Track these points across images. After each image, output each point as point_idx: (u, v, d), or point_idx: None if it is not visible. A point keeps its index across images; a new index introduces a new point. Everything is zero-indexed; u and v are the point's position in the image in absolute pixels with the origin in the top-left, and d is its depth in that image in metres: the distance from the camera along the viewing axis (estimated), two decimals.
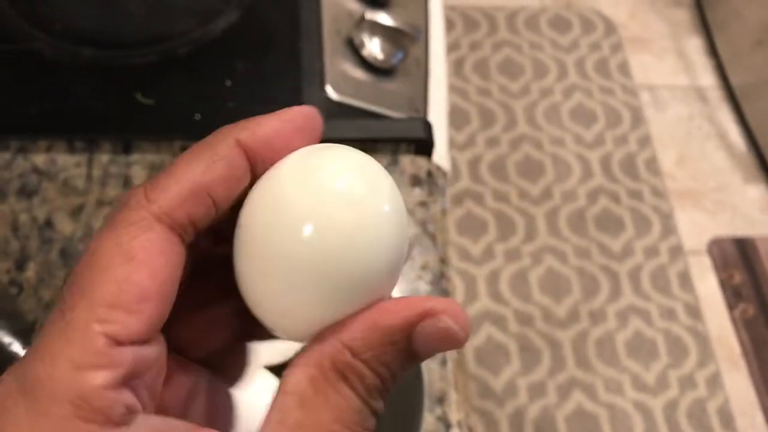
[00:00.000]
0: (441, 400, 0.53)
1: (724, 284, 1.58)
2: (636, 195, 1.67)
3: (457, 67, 1.80)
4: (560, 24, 1.90)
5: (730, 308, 1.55)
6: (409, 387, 0.50)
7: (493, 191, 1.65)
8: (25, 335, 0.52)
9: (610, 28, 1.91)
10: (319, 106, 0.62)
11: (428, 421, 0.52)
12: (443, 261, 0.60)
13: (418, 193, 0.62)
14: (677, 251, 1.60)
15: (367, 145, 0.63)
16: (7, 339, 0.49)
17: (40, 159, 0.60)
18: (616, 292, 1.54)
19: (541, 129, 1.74)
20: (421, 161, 0.63)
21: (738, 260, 1.61)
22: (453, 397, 0.54)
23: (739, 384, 1.47)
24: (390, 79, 0.68)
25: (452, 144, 1.70)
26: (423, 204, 0.61)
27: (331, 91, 0.64)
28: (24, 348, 0.50)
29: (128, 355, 0.20)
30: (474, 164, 1.68)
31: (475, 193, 1.64)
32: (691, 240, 1.62)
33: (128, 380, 0.20)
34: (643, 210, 1.65)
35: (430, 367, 0.54)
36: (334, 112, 0.63)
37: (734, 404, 1.44)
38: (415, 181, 0.62)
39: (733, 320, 1.54)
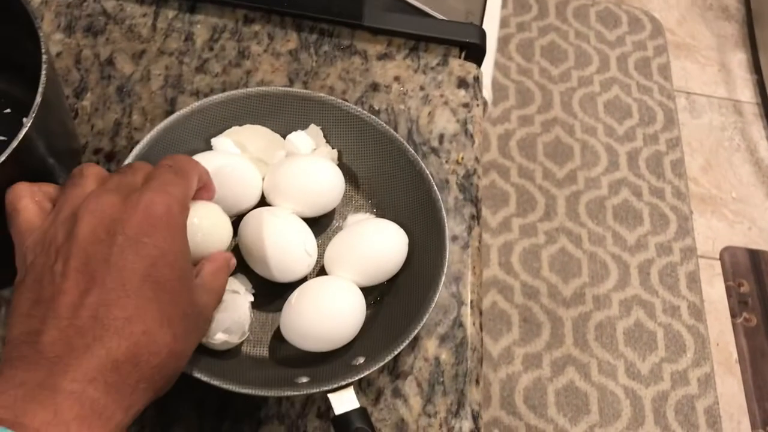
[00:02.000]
0: (458, 279, 0.56)
1: (731, 291, 1.59)
2: (658, 193, 1.68)
3: (502, 45, 1.82)
4: (609, 18, 1.91)
5: (734, 315, 1.57)
6: (432, 258, 0.52)
7: (519, 167, 1.67)
8: (77, 154, 0.55)
9: (658, 30, 1.92)
10: (382, 0, 0.64)
11: (443, 296, 0.55)
12: (477, 159, 0.62)
13: (462, 94, 0.64)
14: (690, 253, 1.61)
15: (420, 43, 0.66)
16: (63, 153, 0.52)
17: (110, 4, 0.63)
18: (623, 282, 1.56)
19: (575, 115, 1.76)
20: (469, 66, 0.66)
21: (749, 271, 1.62)
22: (469, 278, 0.56)
23: (730, 388, 1.48)
24: None
25: (486, 117, 1.71)
26: (466, 105, 0.64)
27: None
28: (70, 163, 0.53)
29: None
30: (505, 139, 1.70)
31: (501, 167, 1.66)
32: (705, 244, 1.63)
33: None
34: (663, 208, 1.66)
35: (451, 249, 0.56)
36: (394, 6, 0.66)
37: (723, 406, 1.45)
38: (462, 83, 0.65)
39: (735, 327, 1.55)
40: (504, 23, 1.86)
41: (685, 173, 1.71)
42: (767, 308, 1.58)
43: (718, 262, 1.62)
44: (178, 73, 0.61)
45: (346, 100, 0.62)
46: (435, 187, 0.53)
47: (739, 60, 1.90)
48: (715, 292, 1.59)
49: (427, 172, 0.53)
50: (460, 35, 0.65)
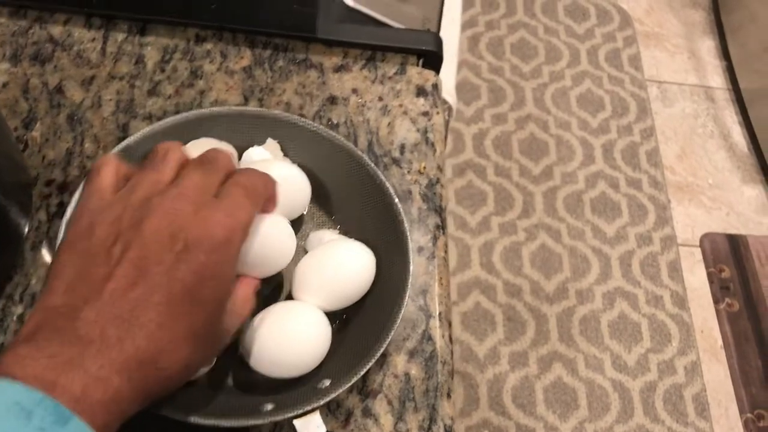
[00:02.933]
0: (424, 291, 0.55)
1: (713, 278, 1.60)
2: (635, 184, 1.68)
3: (472, 44, 1.82)
4: (577, 12, 1.92)
5: (716, 301, 1.57)
6: (396, 274, 0.51)
7: (495, 166, 1.67)
8: (27, 188, 0.54)
9: (626, 21, 1.92)
10: (335, 10, 0.63)
11: (410, 310, 0.54)
12: (439, 168, 0.61)
13: (422, 102, 0.63)
14: (670, 242, 1.61)
15: (376, 52, 0.65)
16: (13, 188, 0.51)
17: (56, 30, 0.62)
18: (605, 274, 1.56)
19: (548, 111, 1.75)
20: (428, 74, 0.65)
21: (729, 256, 1.62)
22: (436, 290, 0.55)
23: (717, 374, 1.48)
24: None
25: (460, 117, 1.71)
26: (425, 114, 0.63)
27: None
28: (15, 202, 0.52)
29: None
30: (479, 138, 1.69)
31: (477, 166, 1.66)
32: (685, 232, 1.64)
33: None
34: (641, 199, 1.66)
35: (416, 261, 0.55)
36: (348, 17, 0.65)
37: (710, 393, 1.45)
38: (421, 91, 0.64)
39: (718, 313, 1.56)
40: (472, 22, 1.85)
41: (660, 162, 1.72)
42: (749, 292, 1.59)
43: (699, 250, 1.62)
44: (130, 98, 0.59)
45: (303, 115, 0.61)
46: (396, 200, 0.52)
47: (707, 47, 1.91)
48: (696, 279, 1.59)
49: (388, 186, 0.52)
50: (417, 43, 0.65)
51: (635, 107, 1.78)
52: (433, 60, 0.65)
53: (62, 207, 0.54)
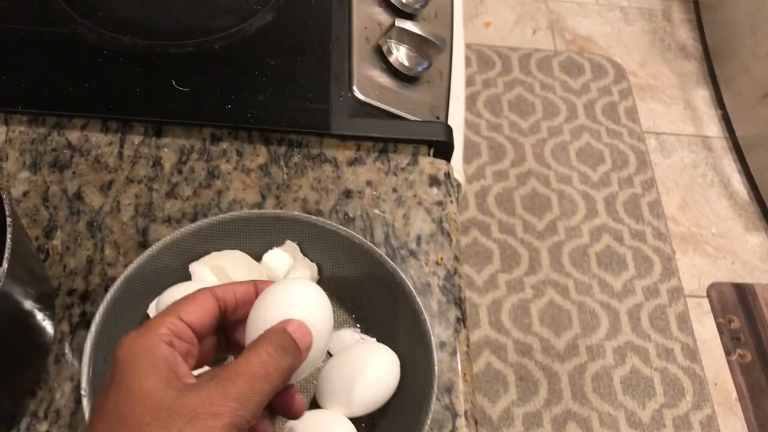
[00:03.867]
0: (449, 389, 0.55)
1: (723, 328, 1.59)
2: (639, 236, 1.69)
3: (470, 102, 1.84)
4: (572, 67, 1.95)
5: (728, 353, 1.56)
6: (421, 374, 0.51)
7: (499, 223, 1.67)
8: (49, 299, 0.54)
9: (621, 74, 1.95)
10: (346, 105, 0.65)
11: (436, 410, 0.53)
12: (457, 258, 0.61)
13: (435, 192, 0.64)
14: (677, 293, 1.61)
15: (388, 144, 0.66)
16: (35, 300, 0.51)
17: (74, 136, 0.63)
18: (615, 329, 1.55)
19: (548, 166, 1.77)
20: (439, 163, 0.66)
21: (737, 306, 1.62)
22: (460, 387, 0.55)
23: (733, 429, 1.46)
24: (413, 87, 0.70)
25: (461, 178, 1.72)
26: (440, 203, 0.64)
27: (357, 92, 0.66)
28: (39, 315, 0.52)
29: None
30: (482, 196, 1.71)
31: (481, 224, 1.66)
32: (691, 283, 1.64)
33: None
34: (645, 251, 1.66)
35: (440, 358, 0.55)
36: (359, 111, 0.66)
37: None
38: (434, 181, 0.65)
39: (730, 364, 1.55)
40: (470, 81, 1.88)
41: (663, 213, 1.73)
42: (760, 342, 1.58)
43: (706, 300, 1.62)
44: (149, 201, 0.60)
45: (320, 211, 0.61)
46: (418, 300, 0.52)
47: (702, 96, 1.94)
48: (706, 330, 1.58)
49: (408, 284, 0.53)
50: (427, 134, 0.66)
51: (635, 159, 1.80)
52: (444, 149, 0.66)
53: (85, 317, 0.54)
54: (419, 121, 0.66)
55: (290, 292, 0.41)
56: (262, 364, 0.36)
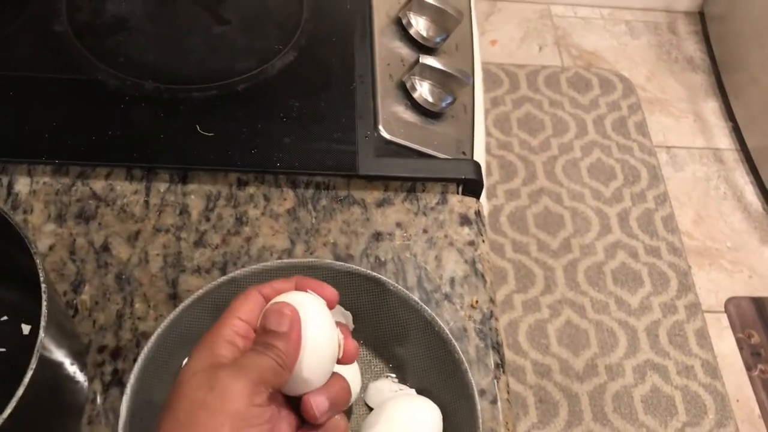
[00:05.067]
0: None
1: (742, 344, 1.58)
2: (654, 252, 1.67)
3: None
4: (580, 83, 1.94)
5: (749, 368, 1.54)
6: (464, 427, 0.50)
7: (512, 242, 1.66)
8: (80, 357, 0.53)
9: (629, 88, 1.94)
10: (373, 144, 0.64)
11: None
12: (492, 300, 0.60)
13: (467, 232, 0.63)
14: (695, 309, 1.60)
15: (417, 183, 0.65)
16: (66, 359, 0.50)
17: (99, 185, 0.62)
18: (633, 347, 1.54)
19: (560, 183, 1.76)
20: (469, 201, 0.65)
21: (756, 320, 1.61)
22: None
23: None
24: (438, 122, 0.69)
25: None
26: (471, 243, 0.62)
27: (383, 131, 0.65)
28: (71, 375, 0.51)
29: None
30: (494, 215, 1.69)
31: (495, 243, 1.65)
32: (709, 298, 1.62)
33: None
34: (661, 267, 1.65)
35: (481, 407, 0.54)
36: (386, 151, 0.65)
37: None
38: (464, 220, 0.64)
39: (752, 380, 1.53)
40: None
41: (677, 228, 1.71)
42: None
43: (725, 315, 1.61)
44: (177, 251, 0.59)
45: (351, 255, 0.60)
46: (458, 349, 0.51)
47: (711, 108, 1.93)
48: (726, 346, 1.57)
49: (448, 334, 0.52)
50: (456, 172, 0.65)
51: (646, 174, 1.79)
52: (473, 186, 0.65)
53: (117, 374, 0.53)
54: (447, 159, 0.65)
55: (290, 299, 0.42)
56: (256, 362, 0.39)
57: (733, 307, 1.62)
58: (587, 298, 1.60)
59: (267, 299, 0.43)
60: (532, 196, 1.74)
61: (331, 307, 0.44)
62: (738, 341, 1.58)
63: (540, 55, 1.98)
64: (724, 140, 1.87)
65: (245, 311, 0.42)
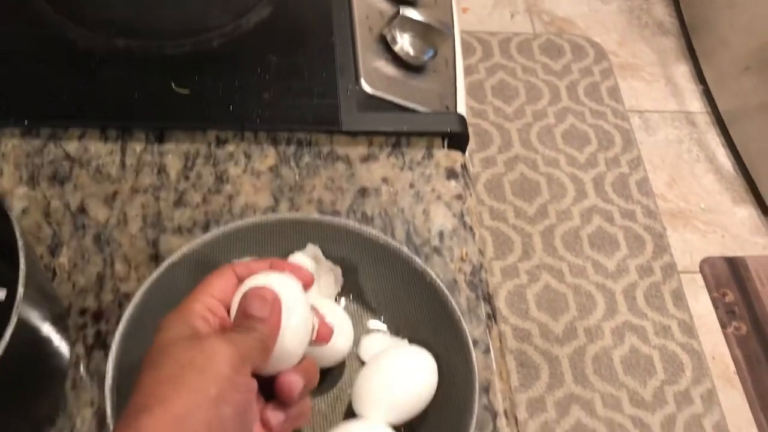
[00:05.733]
0: (486, 389, 0.53)
1: (717, 303, 1.60)
2: (629, 215, 1.68)
3: None
4: (552, 49, 1.94)
5: (724, 326, 1.57)
6: (459, 375, 0.49)
7: (490, 210, 1.66)
8: (61, 320, 0.51)
9: (601, 54, 1.94)
10: (355, 99, 0.62)
11: None
12: (481, 252, 0.59)
13: (453, 185, 0.62)
14: (670, 270, 1.62)
15: (401, 138, 0.63)
16: (46, 321, 0.48)
17: (72, 146, 0.59)
18: (612, 310, 1.55)
19: (535, 150, 1.76)
20: (455, 155, 0.64)
21: (730, 279, 1.63)
22: (497, 386, 0.53)
23: (734, 401, 1.47)
24: (420, 77, 0.68)
25: None
26: (459, 197, 0.61)
27: (365, 85, 0.64)
28: (54, 338, 0.49)
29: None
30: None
31: None
32: (684, 259, 1.64)
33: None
34: (636, 230, 1.66)
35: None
36: (369, 105, 0.63)
37: (730, 421, 1.44)
38: (451, 174, 0.62)
39: (727, 338, 1.56)
40: None
41: (651, 191, 1.73)
42: (755, 314, 1.59)
43: (699, 275, 1.63)
44: (156, 211, 0.57)
45: (337, 211, 0.59)
46: (451, 299, 0.50)
47: (682, 72, 1.94)
48: (701, 305, 1.59)
49: (441, 285, 0.51)
50: (441, 125, 0.63)
51: (620, 139, 1.79)
52: (458, 140, 0.64)
53: (100, 337, 0.51)
54: (432, 113, 0.64)
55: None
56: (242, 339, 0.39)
57: (707, 267, 1.64)
58: (565, 263, 1.61)
59: (240, 278, 0.43)
60: (507, 164, 1.73)
61: (306, 288, 0.44)
62: (713, 300, 1.60)
63: (512, 22, 1.97)
64: (695, 103, 1.88)
65: (219, 289, 0.42)
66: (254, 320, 0.39)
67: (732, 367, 1.52)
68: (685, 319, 1.56)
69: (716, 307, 1.59)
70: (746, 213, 1.72)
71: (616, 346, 1.51)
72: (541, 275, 1.59)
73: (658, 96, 1.88)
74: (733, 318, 1.59)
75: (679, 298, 1.58)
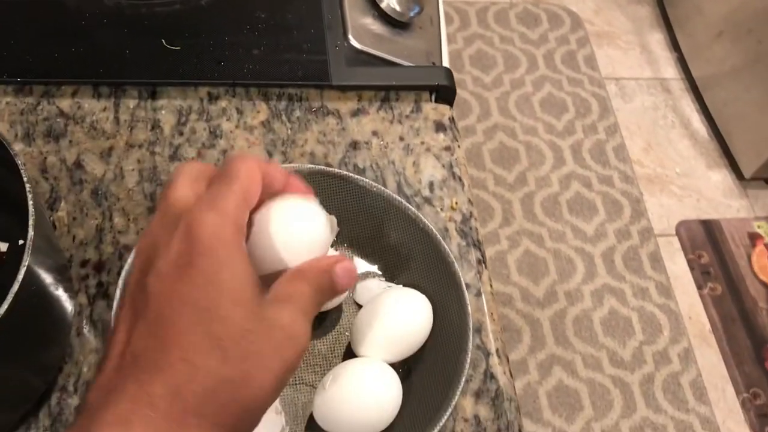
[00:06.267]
0: (478, 330, 0.55)
1: (693, 264, 1.64)
2: (606, 181, 1.71)
3: None
4: (529, 18, 1.95)
5: (699, 287, 1.61)
6: (454, 315, 0.51)
7: (470, 178, 1.68)
8: (65, 271, 0.52)
9: (577, 22, 1.96)
10: (344, 54, 0.63)
11: None
12: (470, 201, 0.61)
13: (442, 138, 0.63)
14: (647, 233, 1.65)
15: (390, 93, 0.65)
16: (51, 272, 0.49)
17: (65, 103, 0.60)
18: (591, 273, 1.58)
19: (514, 118, 1.78)
20: (443, 108, 0.65)
21: (705, 241, 1.67)
22: (489, 326, 0.55)
23: (710, 358, 1.52)
24: (407, 33, 0.69)
25: None
26: (448, 149, 0.63)
27: (353, 41, 0.65)
28: (58, 288, 0.50)
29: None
30: None
31: None
32: (660, 223, 1.68)
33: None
34: (614, 195, 1.70)
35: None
36: (357, 60, 0.64)
37: (706, 378, 1.49)
38: (439, 126, 0.64)
39: (703, 298, 1.60)
40: None
41: (628, 157, 1.76)
42: (729, 275, 1.63)
43: (676, 238, 1.67)
44: (152, 165, 0.58)
45: (330, 164, 0.60)
46: (443, 242, 0.52)
47: (657, 40, 1.97)
48: (678, 267, 1.63)
49: (433, 230, 0.52)
50: (429, 79, 0.65)
51: (597, 106, 1.82)
52: (446, 93, 0.66)
53: (102, 287, 0.52)
54: (419, 67, 0.66)
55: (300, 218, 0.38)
56: (298, 297, 0.35)
57: (683, 230, 1.68)
58: (544, 228, 1.64)
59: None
60: (487, 133, 1.75)
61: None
62: (689, 262, 1.64)
63: None
64: (670, 70, 1.91)
65: (254, 197, 0.35)
66: (337, 287, 0.36)
67: (708, 326, 1.57)
68: (662, 281, 1.60)
69: (692, 269, 1.64)
70: (720, 177, 1.76)
71: (595, 309, 1.55)
72: (522, 241, 1.61)
73: (633, 63, 1.91)
74: (708, 279, 1.63)
75: (656, 260, 1.62)
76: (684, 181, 1.74)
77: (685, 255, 1.65)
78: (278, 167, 0.38)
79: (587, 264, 1.60)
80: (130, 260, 0.48)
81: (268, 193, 0.37)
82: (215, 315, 0.31)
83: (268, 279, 0.36)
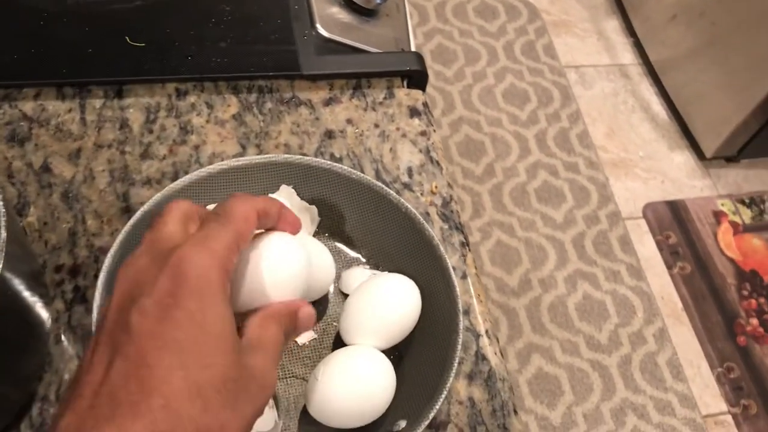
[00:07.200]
0: (466, 312, 0.54)
1: (662, 245, 1.66)
2: (572, 168, 1.73)
3: None
4: (487, 11, 1.96)
5: (669, 267, 1.63)
6: (442, 298, 0.50)
7: None
8: (39, 278, 0.50)
9: (534, 13, 1.98)
10: (312, 44, 0.62)
11: None
12: (450, 185, 0.61)
13: (417, 123, 0.63)
14: (615, 217, 1.67)
15: (362, 80, 0.64)
16: (25, 279, 0.47)
17: (28, 106, 0.58)
18: (563, 260, 1.59)
19: (477, 111, 1.79)
20: (416, 93, 0.64)
21: (672, 222, 1.69)
22: (477, 308, 0.55)
23: (684, 336, 1.54)
24: (374, 21, 0.68)
25: None
26: (423, 133, 0.62)
27: (321, 30, 0.64)
28: (33, 295, 0.48)
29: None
30: None
31: None
32: (627, 206, 1.70)
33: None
34: (581, 181, 1.71)
35: None
36: (326, 49, 0.64)
37: (681, 355, 1.51)
38: (413, 112, 0.63)
39: (673, 278, 1.62)
40: None
41: (592, 143, 1.78)
42: (697, 253, 1.66)
43: (643, 220, 1.69)
44: (123, 165, 0.56)
45: (305, 155, 0.59)
46: (427, 226, 0.51)
47: (613, 26, 1.99)
48: (647, 249, 1.65)
49: (417, 214, 0.52)
50: (400, 65, 0.64)
51: (558, 95, 1.84)
52: (418, 78, 0.65)
53: (78, 292, 0.51)
54: (390, 53, 0.65)
55: (280, 254, 0.39)
56: (270, 344, 0.36)
57: (650, 212, 1.71)
58: (514, 218, 1.64)
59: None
60: (452, 126, 1.76)
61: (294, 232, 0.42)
62: (658, 243, 1.66)
63: None
64: (627, 56, 1.94)
65: (248, 238, 0.36)
66: (299, 331, 0.38)
67: (680, 305, 1.59)
68: (632, 263, 1.62)
69: (661, 250, 1.66)
70: (682, 158, 1.79)
71: (569, 294, 1.56)
72: (493, 232, 1.62)
73: (591, 51, 1.93)
74: (677, 258, 1.65)
75: (625, 243, 1.64)
76: (648, 164, 1.77)
77: (654, 236, 1.67)
78: (275, 203, 0.39)
79: (558, 251, 1.61)
80: (100, 287, 0.45)
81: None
82: (200, 362, 0.31)
83: (239, 314, 0.36)
